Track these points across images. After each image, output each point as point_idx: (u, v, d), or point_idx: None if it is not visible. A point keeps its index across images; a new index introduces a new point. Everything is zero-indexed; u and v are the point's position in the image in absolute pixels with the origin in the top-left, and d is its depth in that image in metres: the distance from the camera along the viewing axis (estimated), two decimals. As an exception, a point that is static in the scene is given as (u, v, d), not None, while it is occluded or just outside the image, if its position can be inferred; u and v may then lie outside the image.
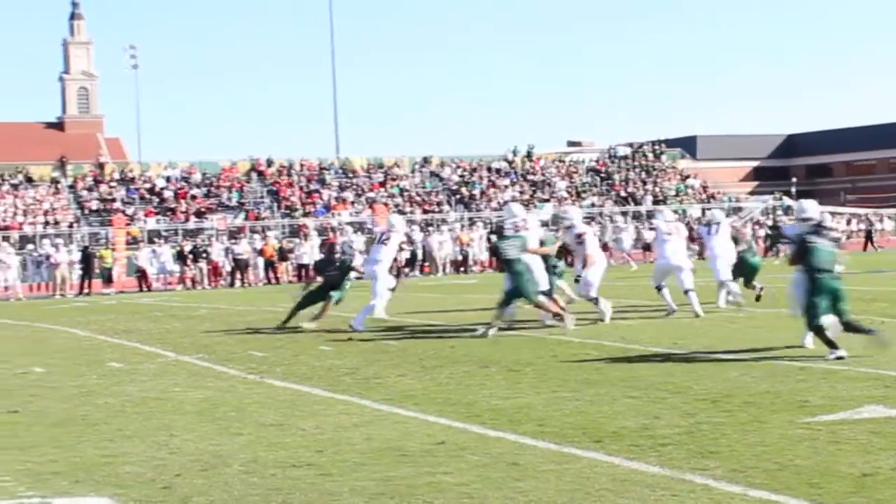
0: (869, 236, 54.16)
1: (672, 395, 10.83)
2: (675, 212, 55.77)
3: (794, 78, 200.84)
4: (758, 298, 20.84)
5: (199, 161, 62.50)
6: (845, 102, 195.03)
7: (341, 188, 61.24)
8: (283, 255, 43.27)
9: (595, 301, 18.88)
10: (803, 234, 13.61)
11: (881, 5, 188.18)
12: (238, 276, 41.65)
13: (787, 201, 70.55)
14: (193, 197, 57.84)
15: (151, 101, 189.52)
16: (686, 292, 19.45)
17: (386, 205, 55.93)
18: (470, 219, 54.45)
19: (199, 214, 55.26)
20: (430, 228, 49.82)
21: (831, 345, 12.98)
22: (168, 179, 59.66)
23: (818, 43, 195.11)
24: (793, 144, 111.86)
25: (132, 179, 59.44)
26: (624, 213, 59.22)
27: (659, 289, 19.98)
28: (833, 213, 62.31)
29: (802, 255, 13.33)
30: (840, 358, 12.72)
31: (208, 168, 61.61)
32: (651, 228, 25.48)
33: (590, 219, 47.12)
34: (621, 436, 8.95)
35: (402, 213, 51.46)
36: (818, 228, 13.66)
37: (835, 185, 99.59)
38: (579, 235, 19.13)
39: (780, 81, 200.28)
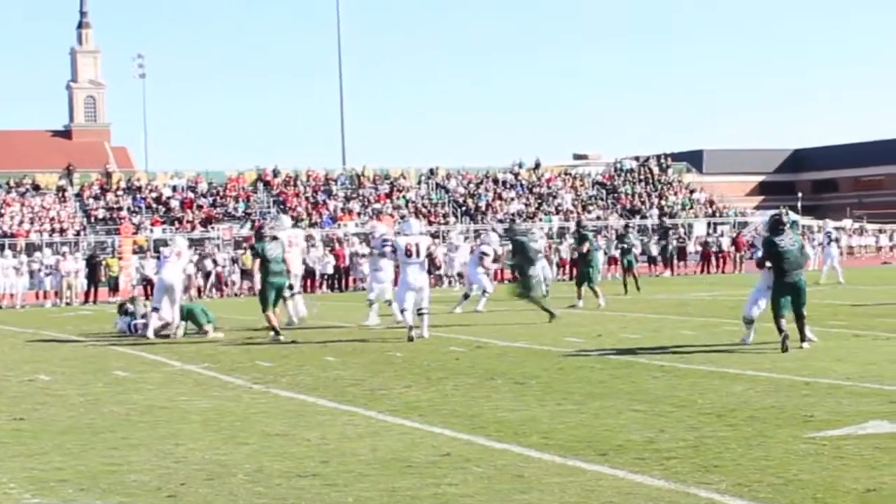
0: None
1: (677, 409, 10.84)
2: (682, 226, 56.11)
3: (801, 92, 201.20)
4: None
5: (205, 171, 62.54)
6: (853, 117, 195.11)
7: (347, 199, 61.28)
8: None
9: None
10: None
11: (890, 19, 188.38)
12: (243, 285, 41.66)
13: (793, 216, 70.56)
14: (200, 206, 57.91)
15: (158, 110, 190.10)
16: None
17: (392, 216, 55.92)
18: (475, 231, 54.40)
19: (206, 224, 55.30)
20: (437, 240, 49.78)
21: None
22: (174, 189, 59.73)
23: (826, 56, 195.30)
24: (799, 159, 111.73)
25: (139, 188, 59.47)
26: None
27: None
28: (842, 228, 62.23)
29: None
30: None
31: (215, 178, 61.62)
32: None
33: (596, 231, 46.81)
34: (626, 449, 8.96)
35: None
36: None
37: (841, 201, 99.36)
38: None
39: (788, 95, 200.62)
